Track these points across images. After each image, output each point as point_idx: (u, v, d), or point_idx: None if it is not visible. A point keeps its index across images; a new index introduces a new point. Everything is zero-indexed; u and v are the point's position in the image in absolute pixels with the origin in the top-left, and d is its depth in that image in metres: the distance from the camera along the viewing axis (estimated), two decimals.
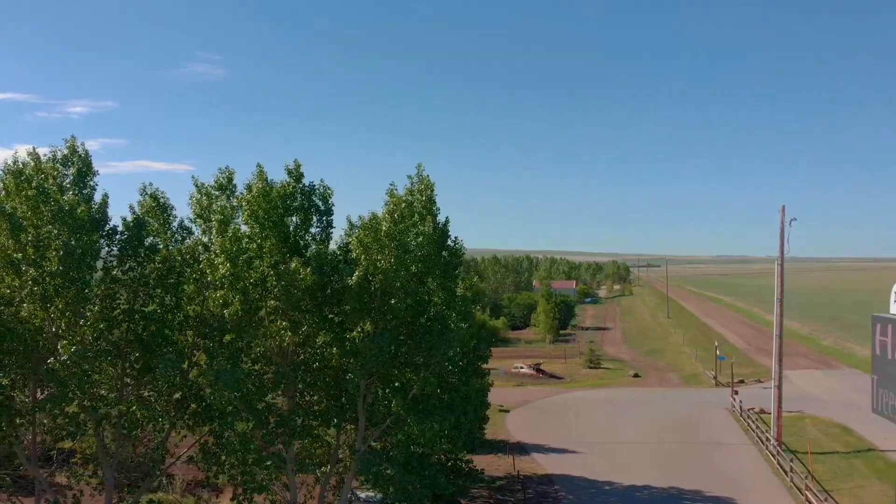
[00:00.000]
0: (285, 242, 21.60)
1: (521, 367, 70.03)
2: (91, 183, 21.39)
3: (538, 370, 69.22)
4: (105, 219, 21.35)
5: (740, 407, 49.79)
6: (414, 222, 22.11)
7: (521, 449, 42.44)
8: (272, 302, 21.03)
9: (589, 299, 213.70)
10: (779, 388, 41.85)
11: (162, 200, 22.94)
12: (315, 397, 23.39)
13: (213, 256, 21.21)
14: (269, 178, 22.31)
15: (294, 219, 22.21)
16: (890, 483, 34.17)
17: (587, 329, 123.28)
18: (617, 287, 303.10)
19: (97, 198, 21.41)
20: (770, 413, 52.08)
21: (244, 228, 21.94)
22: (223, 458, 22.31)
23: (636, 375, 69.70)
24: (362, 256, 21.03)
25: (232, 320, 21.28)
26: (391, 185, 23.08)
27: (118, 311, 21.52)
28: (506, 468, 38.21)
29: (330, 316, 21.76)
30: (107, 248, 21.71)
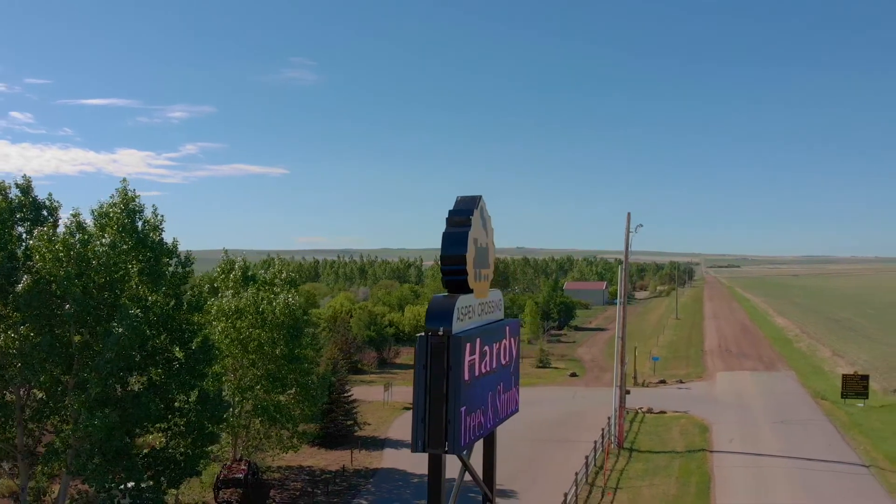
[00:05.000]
0: (9, 254, 24.27)
1: None
2: None
3: None
4: None
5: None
6: (100, 235, 24.38)
7: (381, 445, 44.52)
8: None
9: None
10: (621, 388, 42.84)
11: None
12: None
13: None
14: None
15: (21, 229, 25.12)
16: (680, 482, 35.06)
17: (586, 330, 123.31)
18: (661, 288, 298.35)
19: None
20: (657, 412, 52.85)
21: None
22: None
23: (573, 375, 70.56)
24: (39, 265, 23.26)
25: None
26: (113, 193, 25.98)
27: None
28: (348, 462, 40.45)
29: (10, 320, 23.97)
30: None
